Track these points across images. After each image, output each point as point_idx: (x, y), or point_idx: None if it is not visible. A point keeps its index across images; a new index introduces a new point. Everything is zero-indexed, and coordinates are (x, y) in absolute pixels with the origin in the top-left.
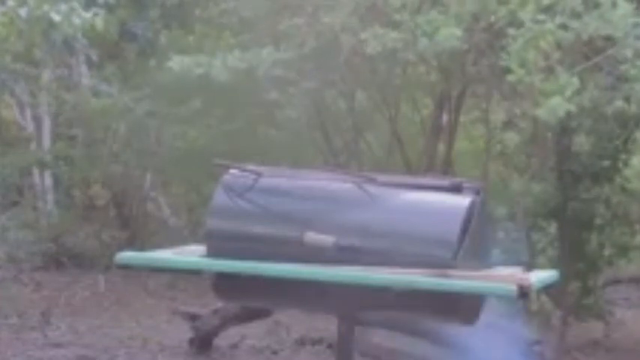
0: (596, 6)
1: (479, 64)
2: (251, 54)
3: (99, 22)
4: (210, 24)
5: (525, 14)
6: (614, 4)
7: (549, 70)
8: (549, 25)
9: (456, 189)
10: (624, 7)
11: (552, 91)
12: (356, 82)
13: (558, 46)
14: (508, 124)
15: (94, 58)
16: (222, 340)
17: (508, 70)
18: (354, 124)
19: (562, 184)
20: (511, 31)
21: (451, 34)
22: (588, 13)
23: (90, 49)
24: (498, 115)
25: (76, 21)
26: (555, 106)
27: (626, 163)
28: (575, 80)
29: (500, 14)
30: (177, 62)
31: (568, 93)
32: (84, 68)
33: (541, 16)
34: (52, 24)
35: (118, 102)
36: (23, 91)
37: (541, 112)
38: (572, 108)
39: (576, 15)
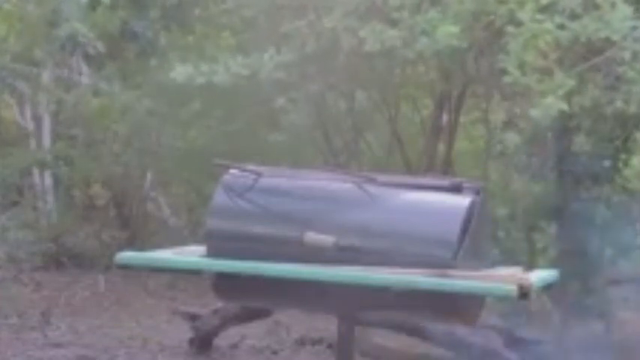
0: (595, 7)
1: (479, 63)
2: (253, 58)
3: None
4: (210, 24)
5: (524, 14)
6: (612, 6)
7: (547, 71)
8: (548, 25)
9: (456, 189)
10: (623, 10)
11: (547, 91)
12: (356, 82)
13: (557, 45)
14: (508, 124)
15: (100, 49)
16: (222, 340)
17: (505, 72)
18: (354, 124)
19: (562, 184)
20: (510, 29)
21: (449, 33)
22: (588, 14)
23: (95, 41)
24: (498, 115)
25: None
26: (548, 106)
27: (626, 163)
28: (570, 80)
29: (499, 13)
30: (180, 72)
31: (560, 92)
32: (84, 67)
33: (540, 16)
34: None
35: (118, 101)
36: (24, 89)
37: (535, 113)
38: (565, 107)
39: (575, 16)
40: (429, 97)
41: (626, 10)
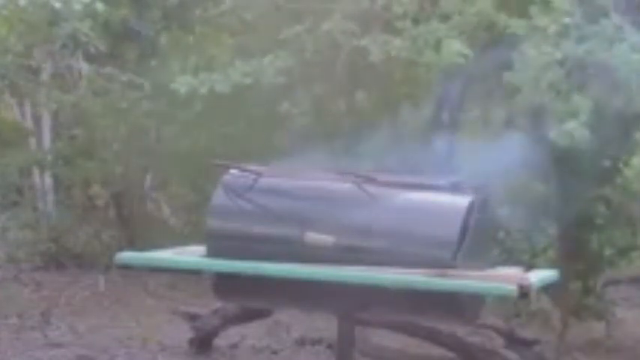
0: (596, 23)
1: (480, 62)
2: (252, 65)
3: (99, 6)
4: (210, 25)
5: (530, 47)
6: (618, 28)
7: (552, 87)
8: (557, 55)
9: (456, 189)
10: (634, 45)
11: (567, 114)
12: (356, 82)
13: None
14: (508, 124)
15: (101, 48)
16: (222, 340)
17: (516, 89)
18: (354, 124)
19: (562, 184)
20: (517, 64)
21: (456, 52)
22: (590, 31)
23: (96, 39)
24: (498, 115)
25: (77, 7)
26: (571, 131)
27: (626, 163)
28: (588, 102)
29: (500, 24)
30: (182, 83)
31: (583, 117)
32: (84, 67)
33: (548, 48)
34: (51, 21)
35: (118, 102)
36: (25, 89)
37: (555, 135)
38: (587, 134)
39: (581, 39)
40: (429, 97)
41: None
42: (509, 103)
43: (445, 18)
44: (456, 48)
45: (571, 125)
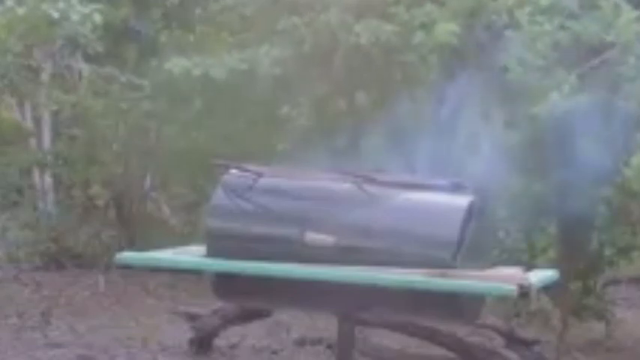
0: (594, 7)
1: (480, 62)
2: (248, 53)
3: (97, 17)
4: (211, 23)
5: (523, 15)
6: (616, 7)
7: (547, 70)
8: (547, 27)
9: (456, 189)
10: (628, 14)
11: (549, 88)
12: (355, 80)
13: (556, 47)
14: (508, 124)
15: (99, 49)
16: (222, 340)
17: (506, 69)
18: (354, 124)
19: (562, 184)
20: (509, 32)
21: (448, 31)
22: (587, 14)
23: (95, 41)
24: (498, 114)
25: (74, 17)
26: (552, 103)
27: (626, 163)
28: (573, 78)
29: (496, 10)
30: (175, 64)
31: (566, 89)
32: (84, 67)
33: (539, 18)
34: (51, 22)
35: (118, 102)
36: (25, 87)
37: (538, 110)
38: (569, 105)
39: (575, 16)
40: (428, 96)
41: (631, 14)
42: (508, 103)
43: (440, 5)
44: (449, 28)
45: (553, 96)
